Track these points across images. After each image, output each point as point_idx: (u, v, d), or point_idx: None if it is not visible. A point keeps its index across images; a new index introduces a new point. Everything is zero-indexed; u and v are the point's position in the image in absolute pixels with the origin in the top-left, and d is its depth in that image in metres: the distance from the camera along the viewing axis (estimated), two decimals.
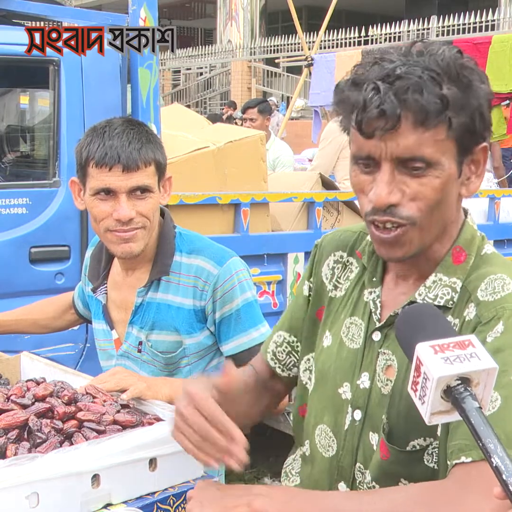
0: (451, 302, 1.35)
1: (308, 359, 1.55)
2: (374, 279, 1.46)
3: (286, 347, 1.60)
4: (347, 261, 1.53)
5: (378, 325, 1.42)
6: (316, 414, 1.50)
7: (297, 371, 1.60)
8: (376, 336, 1.42)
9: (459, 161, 1.31)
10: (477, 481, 1.17)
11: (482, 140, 1.32)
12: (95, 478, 1.47)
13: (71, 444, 1.55)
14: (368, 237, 1.49)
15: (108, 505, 1.51)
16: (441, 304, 1.35)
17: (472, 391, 0.99)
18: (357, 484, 1.42)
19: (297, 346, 1.59)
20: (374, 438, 1.39)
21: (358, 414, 1.42)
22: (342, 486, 1.44)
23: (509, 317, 1.28)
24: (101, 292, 2.14)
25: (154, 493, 1.57)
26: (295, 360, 1.60)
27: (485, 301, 1.31)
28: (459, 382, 0.99)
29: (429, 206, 1.29)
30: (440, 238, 1.37)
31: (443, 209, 1.32)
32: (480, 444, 0.95)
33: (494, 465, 0.92)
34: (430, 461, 1.33)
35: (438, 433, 1.31)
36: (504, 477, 0.91)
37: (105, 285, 2.14)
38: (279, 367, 1.62)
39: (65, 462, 1.43)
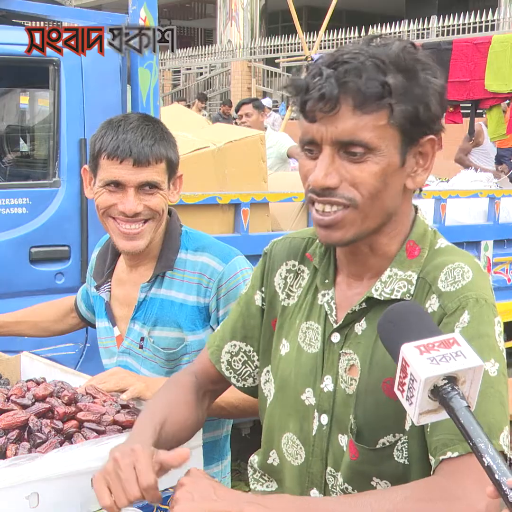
0: (408, 295, 1.35)
1: (267, 371, 1.54)
2: (326, 281, 1.45)
3: (242, 357, 1.59)
4: (299, 269, 1.53)
5: (335, 326, 1.41)
6: (281, 423, 1.49)
7: (253, 382, 1.60)
8: (335, 338, 1.41)
9: (403, 150, 1.31)
10: (469, 475, 1.18)
11: (429, 131, 1.32)
12: None
13: (71, 444, 1.55)
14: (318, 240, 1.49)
15: None
16: (398, 297, 1.35)
17: (459, 389, 1.00)
18: (330, 488, 1.41)
19: (253, 356, 1.59)
20: (343, 440, 1.38)
21: (324, 419, 1.41)
22: (314, 492, 1.43)
23: (474, 306, 1.28)
24: (104, 290, 2.15)
25: None
26: (251, 370, 1.60)
27: (447, 292, 1.31)
28: (446, 381, 1.00)
29: (369, 192, 1.29)
30: (387, 232, 1.37)
31: (384, 197, 1.32)
32: (471, 444, 0.95)
33: (486, 464, 0.93)
34: (400, 457, 1.33)
35: (406, 427, 1.31)
36: (496, 476, 0.92)
37: (109, 283, 2.15)
38: (234, 376, 1.61)
39: (65, 462, 1.43)
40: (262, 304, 1.57)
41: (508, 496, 0.90)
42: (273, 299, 1.54)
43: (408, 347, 1.02)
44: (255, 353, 1.58)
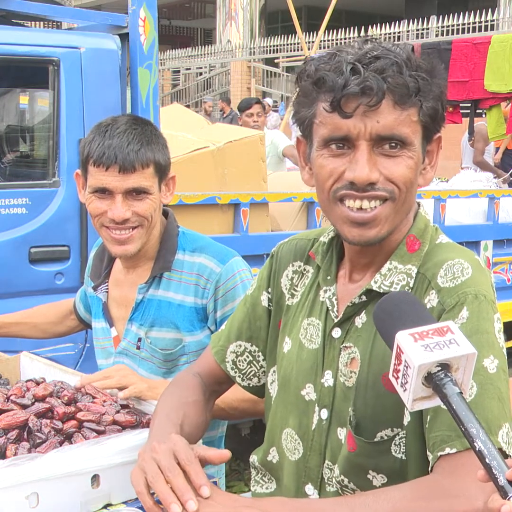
0: (407, 288, 1.36)
1: (274, 371, 1.55)
2: (329, 277, 1.46)
3: (247, 357, 1.60)
4: (304, 269, 1.54)
5: (336, 321, 1.42)
6: (281, 419, 1.49)
7: (258, 381, 1.61)
8: (336, 333, 1.42)
9: (423, 147, 1.34)
10: (466, 472, 1.18)
11: (439, 130, 1.36)
12: (95, 478, 1.47)
13: (71, 444, 1.55)
14: (322, 239, 1.50)
15: (108, 505, 1.51)
16: (397, 290, 1.35)
17: (452, 376, 1.01)
18: (325, 482, 1.42)
19: (259, 356, 1.60)
20: (342, 433, 1.39)
21: (324, 413, 1.41)
22: (309, 487, 1.44)
23: (472, 302, 1.28)
24: (102, 290, 2.15)
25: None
26: (256, 370, 1.60)
27: (446, 288, 1.31)
28: (439, 368, 1.01)
29: (405, 185, 1.31)
30: (400, 228, 1.39)
31: (413, 191, 1.35)
32: (463, 429, 0.97)
33: (477, 449, 0.94)
34: (397, 452, 1.33)
35: (405, 422, 1.31)
36: (487, 460, 0.93)
37: (106, 284, 2.15)
38: (239, 376, 1.62)
39: (65, 462, 1.43)
40: (269, 305, 1.58)
41: (498, 479, 0.91)
42: (280, 300, 1.55)
43: (403, 335, 1.03)
44: (260, 353, 1.59)
